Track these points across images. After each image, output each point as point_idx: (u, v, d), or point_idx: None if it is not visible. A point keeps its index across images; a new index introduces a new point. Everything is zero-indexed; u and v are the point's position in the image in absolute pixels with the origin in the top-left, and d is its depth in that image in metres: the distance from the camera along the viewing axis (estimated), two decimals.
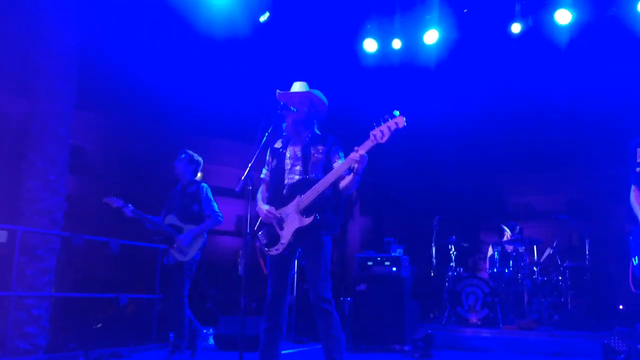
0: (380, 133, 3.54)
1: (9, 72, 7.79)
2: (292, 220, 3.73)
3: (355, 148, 3.58)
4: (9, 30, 7.45)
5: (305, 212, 3.69)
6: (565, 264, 7.67)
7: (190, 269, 5.23)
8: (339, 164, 3.77)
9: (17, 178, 6.90)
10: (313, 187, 3.66)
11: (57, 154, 6.99)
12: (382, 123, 3.54)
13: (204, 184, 5.49)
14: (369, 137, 3.57)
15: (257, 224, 3.86)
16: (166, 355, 5.12)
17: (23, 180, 6.84)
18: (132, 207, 5.10)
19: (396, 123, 3.53)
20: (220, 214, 5.39)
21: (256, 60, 8.93)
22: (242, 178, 3.57)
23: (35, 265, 6.56)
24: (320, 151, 3.82)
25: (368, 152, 3.58)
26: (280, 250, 3.77)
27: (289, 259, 3.86)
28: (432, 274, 8.47)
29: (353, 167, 3.61)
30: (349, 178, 3.67)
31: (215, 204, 5.43)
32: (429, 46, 8.81)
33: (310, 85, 4.02)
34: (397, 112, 3.53)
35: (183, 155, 5.46)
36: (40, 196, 6.78)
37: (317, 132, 4.00)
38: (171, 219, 5.29)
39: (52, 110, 7.00)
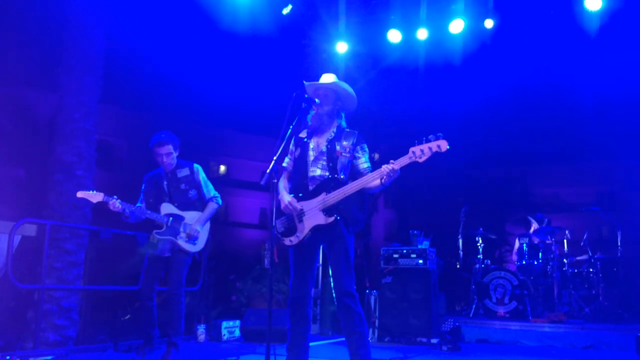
0: (420, 152, 3.50)
1: (36, 68, 7.92)
2: (313, 216, 3.71)
3: (391, 161, 3.54)
4: (35, 27, 7.56)
5: (327, 210, 3.67)
6: (596, 256, 7.52)
7: (191, 259, 4.84)
8: (362, 161, 3.79)
9: (45, 172, 7.00)
10: (341, 189, 3.64)
11: (84, 148, 7.08)
12: (424, 142, 3.50)
13: (195, 165, 4.94)
14: (407, 152, 3.53)
15: (276, 211, 3.83)
16: (162, 355, 4.66)
17: (51, 174, 6.94)
18: (119, 200, 4.56)
19: (438, 146, 3.48)
20: (218, 194, 4.96)
21: (279, 55, 8.91)
22: (267, 171, 3.55)
23: (65, 259, 6.67)
24: (347, 150, 3.78)
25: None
26: (295, 242, 3.76)
27: (310, 251, 3.84)
28: (458, 266, 8.38)
29: (382, 178, 3.58)
30: (375, 184, 3.63)
31: (210, 184, 4.97)
32: (455, 36, 8.66)
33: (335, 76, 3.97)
34: (440, 134, 3.48)
35: (170, 146, 4.78)
36: (67, 190, 6.87)
37: (344, 125, 3.95)
38: (168, 207, 4.74)
39: (79, 105, 7.09)
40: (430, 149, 3.48)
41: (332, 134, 3.86)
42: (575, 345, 6.10)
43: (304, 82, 3.91)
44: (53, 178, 6.94)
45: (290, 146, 3.94)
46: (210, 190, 4.90)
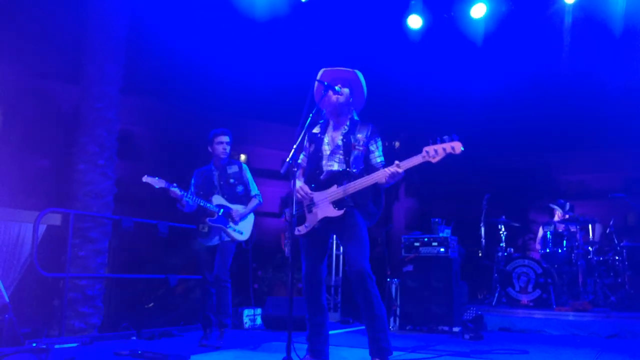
0: (434, 152, 3.47)
1: (60, 58, 7.98)
2: (323, 207, 3.71)
3: (396, 162, 3.54)
4: (57, 17, 7.61)
5: (337, 203, 3.66)
6: (622, 244, 7.38)
7: (236, 247, 5.25)
8: (375, 155, 3.79)
9: (69, 162, 7.08)
10: (352, 183, 3.64)
11: (106, 138, 7.13)
12: (439, 142, 3.47)
13: (243, 164, 5.43)
14: (420, 151, 3.50)
15: (286, 199, 3.84)
16: (217, 335, 5.11)
17: (74, 164, 7.01)
18: (179, 188, 4.98)
19: (452, 147, 3.45)
20: (260, 193, 5.42)
21: (298, 42, 8.86)
22: (288, 160, 3.53)
23: (88, 247, 6.74)
24: (361, 143, 3.76)
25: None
26: (303, 232, 3.78)
27: (319, 240, 3.84)
28: (480, 255, 8.30)
29: (385, 177, 3.56)
30: (382, 181, 3.60)
31: (254, 183, 5.43)
32: (477, 20, 8.53)
33: (356, 64, 3.93)
34: (456, 136, 3.46)
35: (229, 137, 5.32)
36: (91, 179, 6.94)
37: (356, 118, 3.92)
38: (218, 199, 5.17)
39: (101, 95, 7.12)
40: (444, 149, 3.46)
41: (346, 127, 3.84)
42: (600, 334, 6.01)
43: (323, 68, 3.87)
44: (77, 168, 7.00)
45: (304, 143, 3.91)
46: (254, 188, 5.38)
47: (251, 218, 5.33)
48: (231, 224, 5.14)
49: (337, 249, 8.18)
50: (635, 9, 7.84)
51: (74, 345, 5.04)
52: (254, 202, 5.34)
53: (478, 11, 8.40)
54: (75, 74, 7.34)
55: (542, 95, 10.00)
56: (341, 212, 3.65)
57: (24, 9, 7.63)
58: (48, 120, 8.61)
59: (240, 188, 5.29)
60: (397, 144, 11.65)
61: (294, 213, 3.67)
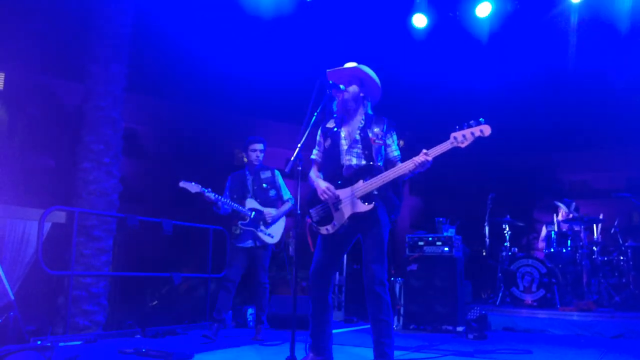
0: (462, 137, 3.45)
1: (64, 57, 7.99)
2: (350, 204, 3.66)
3: (424, 151, 3.50)
4: (62, 16, 7.62)
5: (366, 198, 3.63)
6: (627, 244, 7.36)
7: (271, 251, 5.55)
8: (392, 148, 3.78)
9: (74, 161, 7.10)
10: (379, 177, 3.61)
11: (111, 137, 7.15)
12: (466, 127, 3.46)
13: (276, 170, 5.68)
14: (448, 138, 3.48)
15: (311, 199, 3.81)
16: (253, 328, 5.44)
17: (79, 163, 7.03)
18: (213, 192, 5.23)
19: (481, 130, 3.43)
20: (292, 197, 5.60)
21: (303, 40, 8.85)
22: (292, 159, 3.53)
23: (93, 245, 6.77)
24: (379, 136, 3.75)
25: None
26: (331, 231, 3.72)
27: (345, 240, 3.81)
28: (484, 254, 8.29)
29: (416, 166, 3.52)
30: (408, 168, 3.55)
31: (286, 188, 5.65)
32: (482, 19, 8.51)
33: (361, 62, 3.92)
34: (482, 120, 3.44)
35: (262, 145, 5.55)
36: (96, 178, 6.97)
37: (370, 112, 3.91)
38: (251, 202, 5.42)
39: (106, 94, 7.15)
40: (472, 134, 3.44)
41: (362, 122, 3.82)
42: (605, 334, 6.00)
43: (327, 70, 3.86)
44: (81, 166, 7.03)
45: (318, 137, 3.89)
46: (287, 193, 5.62)
47: (282, 222, 5.55)
48: (262, 227, 5.38)
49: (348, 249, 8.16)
50: (636, 16, 7.81)
51: (79, 343, 5.05)
52: (286, 206, 5.56)
53: (483, 10, 8.38)
54: (79, 72, 7.36)
55: (547, 94, 9.97)
56: (371, 206, 3.61)
57: (28, 7, 7.65)
58: (53, 118, 8.63)
59: (272, 192, 5.53)
60: (401, 142, 11.59)
61: (298, 212, 3.67)
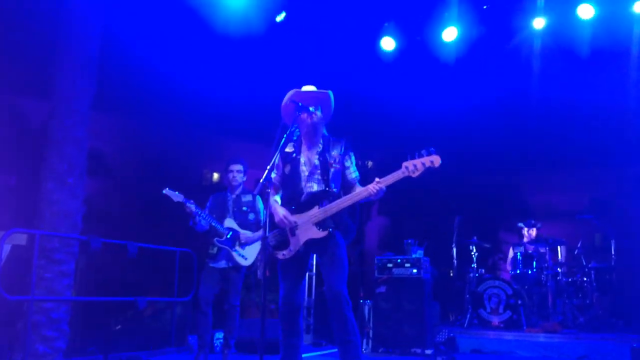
0: (414, 167, 3.50)
1: (29, 74, 7.83)
2: (306, 229, 3.69)
3: (376, 179, 3.56)
4: (29, 32, 7.48)
5: (321, 224, 3.65)
6: (590, 265, 7.50)
7: (244, 274, 5.52)
8: (350, 170, 3.83)
9: (37, 180, 6.91)
10: (334, 203, 3.65)
11: (75, 156, 6.97)
12: (417, 157, 3.50)
13: (258, 195, 5.63)
14: (400, 167, 3.53)
15: (269, 224, 3.80)
16: (220, 353, 5.43)
17: (42, 183, 6.84)
18: (194, 204, 5.23)
19: (432, 161, 3.49)
20: None
21: (273, 60, 8.87)
22: (261, 180, 3.51)
23: (54, 269, 6.55)
24: (337, 160, 3.79)
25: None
26: (287, 256, 3.74)
27: (302, 263, 3.81)
28: (452, 275, 8.34)
29: (371, 195, 3.58)
30: (362, 196, 3.63)
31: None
32: (448, 43, 8.68)
33: (330, 84, 3.94)
34: (433, 149, 3.49)
35: (242, 166, 5.61)
36: (59, 199, 6.77)
37: (326, 134, 3.93)
38: (230, 222, 5.43)
39: (71, 112, 6.98)
40: (423, 164, 3.49)
41: (320, 146, 3.84)
42: (570, 355, 6.08)
43: (293, 89, 3.86)
44: (45, 187, 6.83)
45: (276, 160, 3.77)
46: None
47: (257, 246, 5.50)
48: (237, 247, 5.36)
49: (311, 270, 8.11)
50: (601, 33, 8.08)
51: None
52: (262, 231, 5.57)
53: (449, 35, 8.56)
54: (44, 90, 7.20)
55: (512, 117, 10.17)
56: (325, 232, 3.64)
57: None
58: (16, 136, 8.42)
59: (252, 216, 5.54)
60: (369, 163, 11.71)
61: (267, 234, 3.64)
